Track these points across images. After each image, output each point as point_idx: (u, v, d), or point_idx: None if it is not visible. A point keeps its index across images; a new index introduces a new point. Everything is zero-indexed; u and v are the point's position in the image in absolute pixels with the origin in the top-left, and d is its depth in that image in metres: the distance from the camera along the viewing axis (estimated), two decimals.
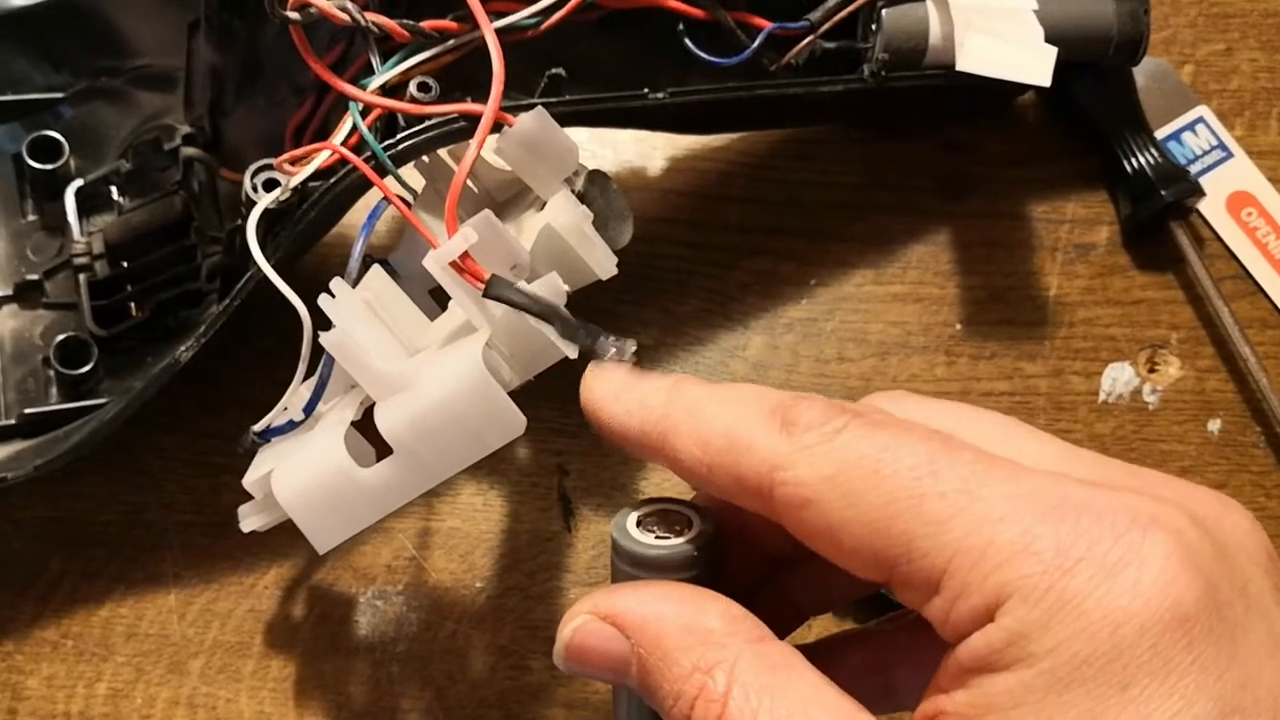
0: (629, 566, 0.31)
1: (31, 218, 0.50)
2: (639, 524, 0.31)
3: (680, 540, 0.31)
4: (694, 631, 0.28)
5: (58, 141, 0.49)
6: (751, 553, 0.33)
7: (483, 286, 0.36)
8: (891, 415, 0.28)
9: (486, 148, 0.44)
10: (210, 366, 0.45)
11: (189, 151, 0.48)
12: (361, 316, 0.37)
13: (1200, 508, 0.26)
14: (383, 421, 0.35)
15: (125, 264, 0.48)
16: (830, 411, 0.28)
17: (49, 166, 0.49)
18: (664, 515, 0.32)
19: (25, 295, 0.49)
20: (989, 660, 0.24)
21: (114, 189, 0.50)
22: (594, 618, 0.29)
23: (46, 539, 0.48)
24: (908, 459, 0.26)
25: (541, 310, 0.34)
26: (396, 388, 0.35)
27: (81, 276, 0.48)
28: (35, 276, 0.49)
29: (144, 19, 0.49)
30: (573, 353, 0.34)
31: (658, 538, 0.31)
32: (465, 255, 0.36)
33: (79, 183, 0.49)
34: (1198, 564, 0.24)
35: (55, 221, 0.50)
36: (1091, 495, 0.25)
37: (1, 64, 0.50)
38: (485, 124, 0.38)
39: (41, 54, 0.50)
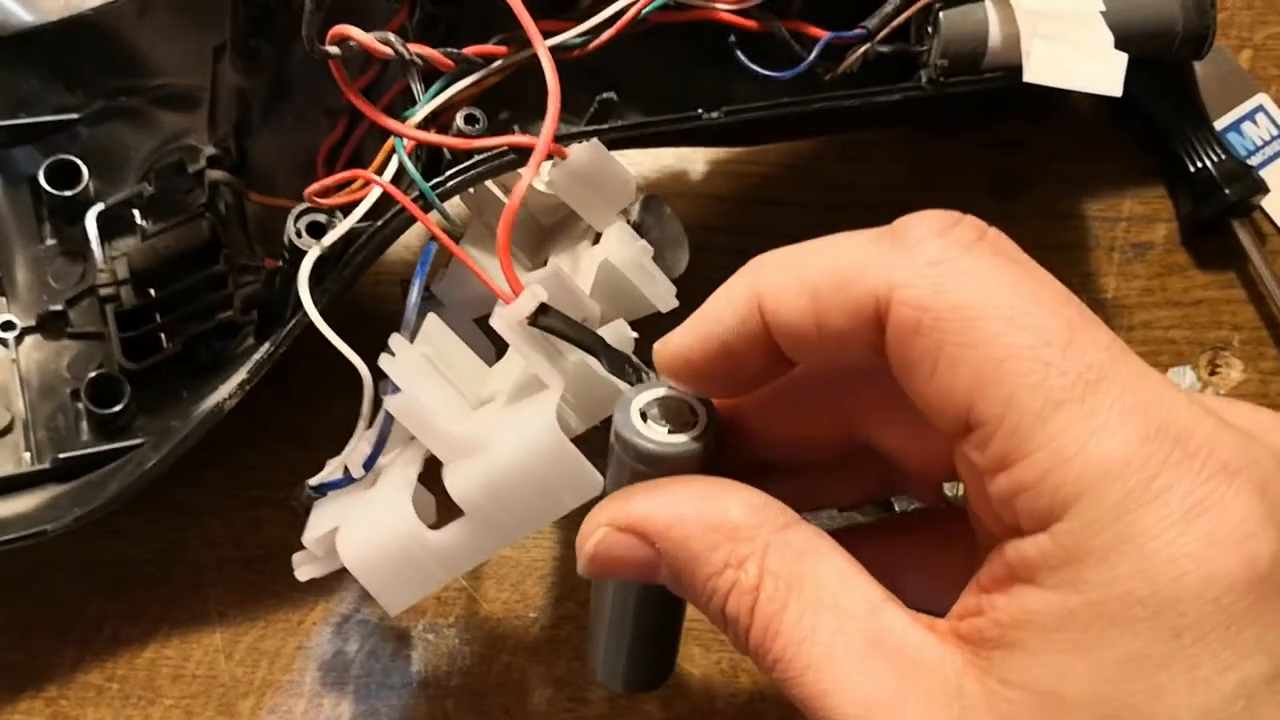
0: (638, 463, 0.29)
1: (51, 242, 0.48)
2: (643, 416, 0.29)
3: (690, 434, 0.29)
4: (719, 528, 0.27)
5: (76, 166, 0.47)
6: (741, 459, 0.32)
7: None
8: (1016, 246, 0.26)
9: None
10: (244, 397, 0.44)
11: (215, 175, 0.46)
12: (423, 374, 0.36)
13: (1275, 439, 0.25)
14: (454, 486, 0.34)
15: (153, 292, 0.46)
16: (946, 219, 0.26)
17: (68, 193, 0.47)
18: (666, 405, 0.29)
19: (49, 325, 0.47)
20: (1037, 573, 0.24)
21: (136, 212, 0.48)
22: (614, 529, 0.28)
23: (85, 579, 0.46)
24: (1049, 319, 0.24)
25: (587, 343, 0.33)
26: (467, 450, 0.34)
27: (109, 307, 0.46)
28: (59, 307, 0.47)
29: (161, 38, 0.46)
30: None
31: (669, 431, 0.29)
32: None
33: (100, 207, 0.47)
34: (1278, 520, 0.23)
35: (76, 246, 0.48)
36: (1196, 422, 0.23)
37: (13, 84, 0.48)
38: (537, 158, 0.36)
39: (54, 74, 0.48)
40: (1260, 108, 0.51)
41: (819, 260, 0.27)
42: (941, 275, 0.25)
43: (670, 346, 0.29)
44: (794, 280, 0.27)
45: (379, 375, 0.36)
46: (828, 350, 0.27)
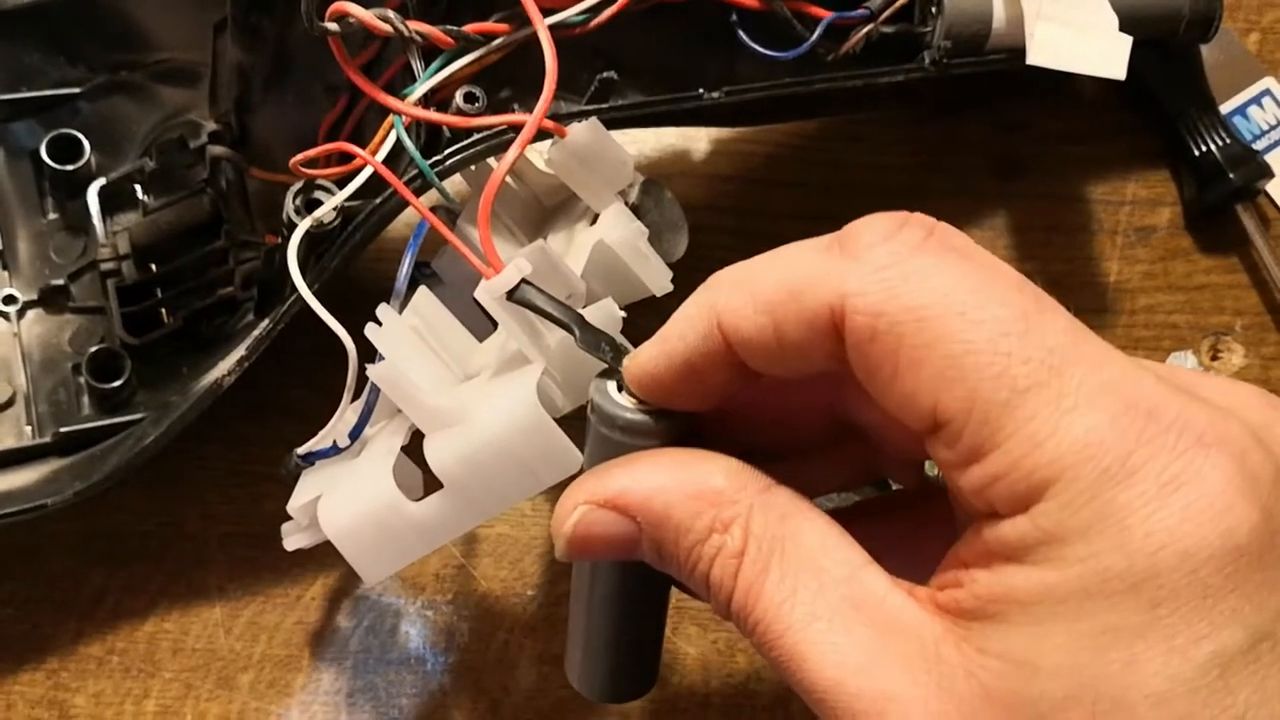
0: (614, 432, 0.29)
1: (52, 216, 0.48)
2: (620, 388, 0.29)
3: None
4: (701, 495, 0.27)
5: (78, 140, 0.47)
6: (724, 447, 0.31)
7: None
8: (966, 239, 0.26)
9: (536, 153, 0.42)
10: (248, 372, 0.44)
11: (216, 150, 0.46)
12: (410, 345, 0.36)
13: (1252, 414, 0.25)
14: (433, 457, 0.34)
15: (154, 267, 0.46)
16: (893, 222, 0.25)
17: (69, 168, 0.47)
18: None
19: (51, 299, 0.47)
20: (1016, 552, 0.24)
21: (138, 187, 0.48)
22: (593, 506, 0.28)
23: (86, 553, 0.47)
24: (999, 309, 0.24)
25: (563, 319, 0.33)
26: (447, 421, 0.34)
27: (110, 282, 0.46)
28: (60, 281, 0.47)
29: (162, 12, 0.46)
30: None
31: (641, 401, 0.29)
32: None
33: (101, 181, 0.47)
34: (1257, 491, 0.23)
35: (77, 220, 0.48)
36: (1167, 398, 0.23)
37: (14, 58, 0.47)
38: (524, 137, 0.36)
39: (56, 48, 0.47)
40: (1267, 91, 0.51)
41: (772, 275, 0.27)
42: (892, 279, 0.25)
43: (637, 364, 0.29)
44: (750, 297, 0.27)
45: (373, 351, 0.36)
46: (789, 362, 0.27)
